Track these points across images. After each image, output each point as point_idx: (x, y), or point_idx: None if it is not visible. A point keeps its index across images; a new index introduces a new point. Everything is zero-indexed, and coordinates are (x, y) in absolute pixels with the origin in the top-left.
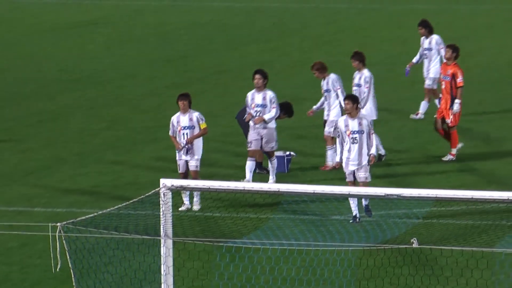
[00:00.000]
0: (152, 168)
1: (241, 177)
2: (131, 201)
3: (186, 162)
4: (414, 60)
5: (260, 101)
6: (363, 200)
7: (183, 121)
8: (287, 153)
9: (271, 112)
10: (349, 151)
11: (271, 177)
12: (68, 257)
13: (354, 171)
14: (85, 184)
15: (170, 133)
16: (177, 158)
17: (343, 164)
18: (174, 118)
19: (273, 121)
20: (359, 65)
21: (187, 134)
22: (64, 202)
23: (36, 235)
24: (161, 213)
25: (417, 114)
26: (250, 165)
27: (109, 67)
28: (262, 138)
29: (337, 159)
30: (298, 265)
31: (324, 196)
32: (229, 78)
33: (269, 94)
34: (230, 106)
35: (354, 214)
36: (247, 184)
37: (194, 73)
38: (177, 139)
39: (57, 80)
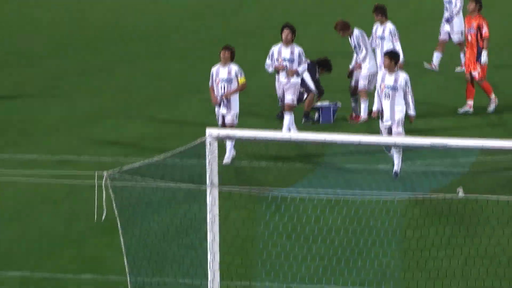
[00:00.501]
0: (197, 120)
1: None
2: (177, 149)
3: (223, 116)
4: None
5: (288, 55)
6: (395, 165)
7: (222, 73)
8: (334, 103)
9: (302, 66)
10: (382, 105)
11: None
12: (114, 206)
13: (388, 126)
14: (130, 135)
15: (210, 84)
16: (215, 110)
17: (380, 119)
18: (213, 70)
19: (297, 76)
20: (382, 18)
21: (224, 86)
22: (110, 152)
23: (82, 184)
24: (207, 163)
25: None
26: (288, 119)
27: (152, 21)
28: (283, 91)
29: (374, 108)
30: (343, 214)
31: (370, 146)
32: (274, 33)
33: (297, 48)
34: None
35: (395, 170)
36: (293, 134)
37: (240, 27)
38: (215, 91)
39: (101, 33)
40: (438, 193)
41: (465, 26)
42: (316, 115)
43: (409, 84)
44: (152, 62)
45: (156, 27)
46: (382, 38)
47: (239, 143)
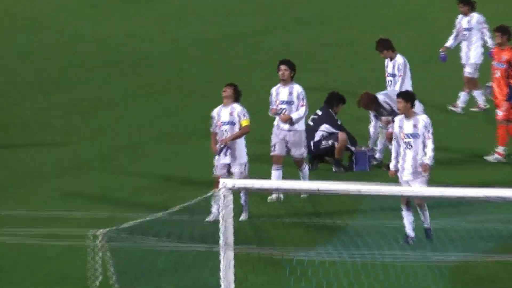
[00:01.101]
0: (209, 163)
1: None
2: (186, 203)
3: (227, 166)
4: (449, 43)
5: (286, 96)
6: (423, 220)
7: (223, 114)
8: (369, 148)
9: (300, 111)
10: (403, 158)
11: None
12: (111, 270)
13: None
14: (133, 183)
15: (212, 128)
16: (215, 158)
17: (398, 173)
18: (215, 111)
19: (302, 122)
20: (389, 53)
21: (227, 131)
22: (107, 204)
23: (73, 244)
24: (221, 219)
25: (454, 106)
26: (276, 175)
27: (162, 48)
28: (287, 143)
29: (392, 166)
30: (381, 280)
31: (413, 198)
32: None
33: (297, 88)
34: None
35: (407, 232)
36: (322, 185)
37: (259, 55)
38: (218, 135)
39: (103, 63)
40: (493, 255)
41: (492, 60)
42: (349, 161)
43: (429, 128)
44: (163, 95)
45: (165, 56)
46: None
47: (257, 195)
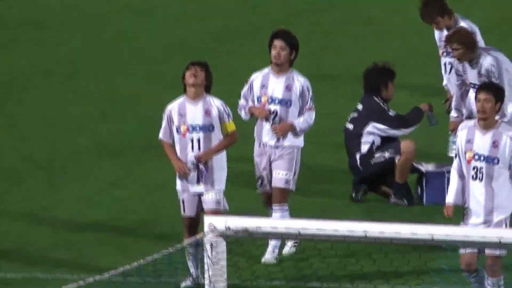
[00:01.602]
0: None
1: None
2: (149, 258)
3: (198, 197)
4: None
5: (281, 92)
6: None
7: (192, 114)
8: (443, 164)
9: (307, 115)
10: (468, 191)
11: (270, 253)
12: None
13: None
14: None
15: (163, 136)
16: (178, 187)
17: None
18: (173, 108)
19: (301, 137)
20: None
21: (199, 140)
22: (21, 259)
23: None
24: (207, 283)
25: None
26: (278, 218)
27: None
28: (271, 164)
29: (448, 199)
30: None
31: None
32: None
33: (299, 81)
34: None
35: None
36: (373, 226)
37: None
38: (179, 149)
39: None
40: None
41: None
42: (418, 188)
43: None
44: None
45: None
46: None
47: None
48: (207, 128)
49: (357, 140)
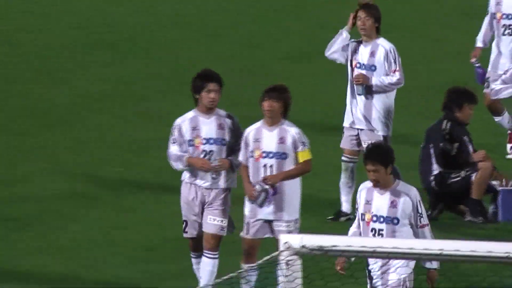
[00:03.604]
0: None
1: None
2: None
3: (269, 224)
4: (480, 41)
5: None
6: None
7: (267, 140)
8: None
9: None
10: None
11: None
12: None
13: None
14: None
15: (242, 159)
16: (247, 212)
17: None
18: (250, 132)
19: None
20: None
21: (272, 167)
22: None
23: None
24: None
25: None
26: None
27: None
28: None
29: None
30: None
31: None
32: None
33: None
34: None
35: None
36: (445, 244)
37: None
38: (251, 173)
39: None
40: None
41: None
42: (492, 206)
43: None
44: None
45: None
46: None
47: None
48: (280, 155)
49: (430, 160)
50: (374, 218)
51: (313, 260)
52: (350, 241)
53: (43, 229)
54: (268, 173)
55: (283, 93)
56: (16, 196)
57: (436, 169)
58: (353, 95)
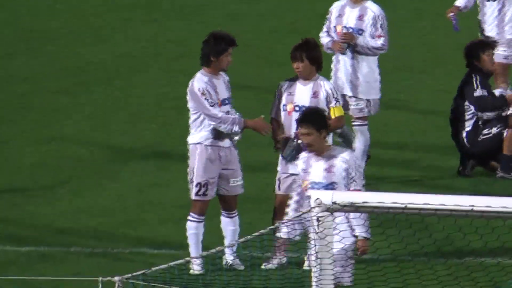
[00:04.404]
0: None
1: None
2: (244, 239)
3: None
4: (460, 2)
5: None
6: None
7: (300, 94)
8: None
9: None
10: None
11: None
12: None
13: None
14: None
15: (272, 114)
16: (279, 167)
17: None
18: (284, 85)
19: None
20: None
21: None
22: (129, 235)
23: None
24: (313, 258)
25: None
26: None
27: None
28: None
29: None
30: None
31: None
32: None
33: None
34: None
35: None
36: (475, 200)
37: None
38: (285, 126)
39: None
40: None
41: None
42: None
43: None
44: None
45: None
46: None
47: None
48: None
49: (462, 118)
50: (312, 185)
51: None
52: (382, 197)
53: (79, 187)
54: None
55: (311, 51)
56: (53, 153)
57: (468, 126)
58: (337, 63)
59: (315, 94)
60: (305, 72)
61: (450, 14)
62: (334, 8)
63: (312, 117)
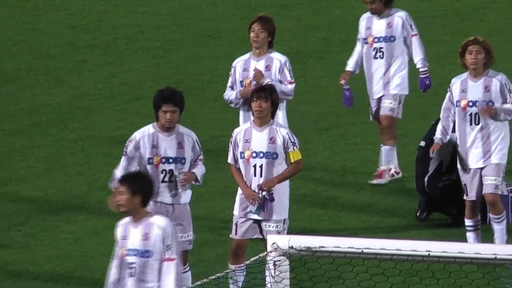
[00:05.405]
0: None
1: None
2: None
3: (256, 223)
4: (350, 66)
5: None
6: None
7: (256, 141)
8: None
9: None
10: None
11: None
12: None
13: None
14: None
15: (231, 160)
16: (236, 212)
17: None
18: (239, 133)
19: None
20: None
21: (261, 167)
22: (72, 279)
23: None
24: None
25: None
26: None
27: None
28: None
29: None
30: None
31: None
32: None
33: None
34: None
35: None
36: (432, 245)
37: None
38: (243, 174)
39: None
40: None
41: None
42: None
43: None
44: None
45: None
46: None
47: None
48: (271, 155)
49: (427, 161)
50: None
51: (301, 261)
52: (338, 241)
53: (35, 230)
54: (258, 174)
55: (272, 93)
56: (9, 195)
57: (431, 170)
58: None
59: (272, 140)
60: (265, 113)
61: (342, 81)
62: (238, 64)
63: (129, 179)
